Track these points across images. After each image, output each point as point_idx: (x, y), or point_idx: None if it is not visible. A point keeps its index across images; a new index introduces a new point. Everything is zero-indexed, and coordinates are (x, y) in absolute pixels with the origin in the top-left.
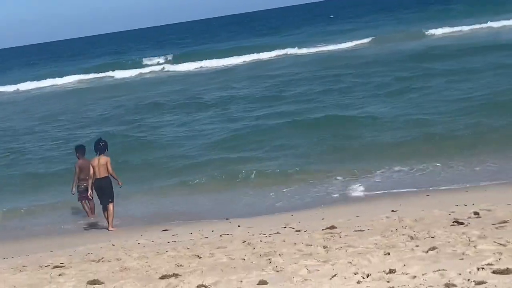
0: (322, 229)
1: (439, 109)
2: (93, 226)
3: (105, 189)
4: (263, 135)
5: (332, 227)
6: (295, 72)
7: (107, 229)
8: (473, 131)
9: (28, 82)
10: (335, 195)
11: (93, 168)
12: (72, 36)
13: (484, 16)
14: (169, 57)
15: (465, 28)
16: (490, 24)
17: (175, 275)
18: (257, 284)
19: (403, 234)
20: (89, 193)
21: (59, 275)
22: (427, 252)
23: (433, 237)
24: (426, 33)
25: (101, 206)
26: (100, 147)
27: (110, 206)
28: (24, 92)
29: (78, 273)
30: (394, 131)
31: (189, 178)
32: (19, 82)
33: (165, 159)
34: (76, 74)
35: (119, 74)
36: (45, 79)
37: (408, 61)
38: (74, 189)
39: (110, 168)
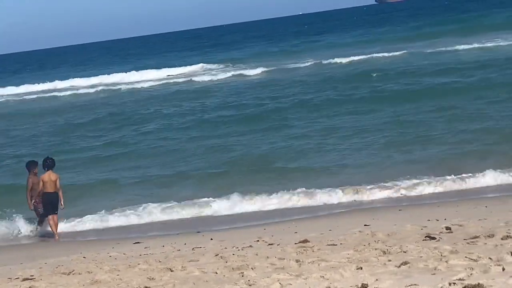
0: (295, 243)
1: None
2: (64, 238)
3: (54, 203)
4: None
5: (305, 241)
6: None
7: (54, 238)
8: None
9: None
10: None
11: (43, 183)
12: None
13: None
14: None
15: None
16: None
17: None
18: None
19: (375, 249)
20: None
21: (29, 287)
22: (399, 266)
23: (405, 252)
24: None
25: (46, 217)
26: (48, 164)
27: (55, 217)
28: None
29: (48, 285)
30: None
31: None
32: None
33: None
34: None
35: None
36: None
37: None
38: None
39: (58, 185)
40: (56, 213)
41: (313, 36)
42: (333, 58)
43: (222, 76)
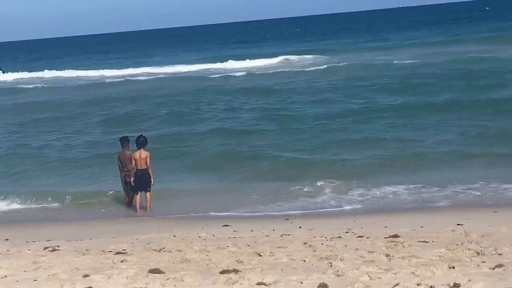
0: (385, 237)
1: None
2: (154, 216)
3: (145, 179)
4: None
5: (395, 236)
6: None
7: (146, 210)
8: None
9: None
10: (398, 204)
11: (135, 160)
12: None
13: None
14: None
15: None
16: None
17: (235, 271)
18: (317, 286)
19: (469, 249)
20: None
21: (121, 261)
22: (493, 269)
23: (500, 254)
24: None
25: (135, 194)
26: (140, 142)
27: (148, 194)
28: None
29: (139, 260)
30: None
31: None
32: None
33: None
34: None
35: None
36: None
37: None
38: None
39: (148, 162)
40: (149, 190)
41: None
42: None
43: None
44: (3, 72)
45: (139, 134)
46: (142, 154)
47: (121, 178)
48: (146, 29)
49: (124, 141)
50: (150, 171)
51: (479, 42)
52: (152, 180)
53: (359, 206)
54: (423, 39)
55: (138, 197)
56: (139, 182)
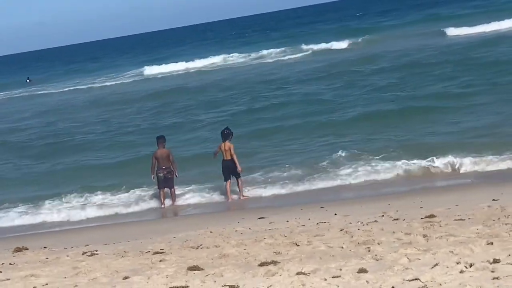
0: (421, 218)
1: None
2: (190, 213)
3: (230, 169)
4: None
5: (431, 216)
6: None
7: (240, 197)
8: None
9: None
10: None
11: (221, 151)
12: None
13: None
14: None
15: None
16: None
17: (274, 263)
18: (357, 272)
19: (506, 224)
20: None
21: (160, 261)
22: None
23: None
24: None
25: (226, 182)
26: (225, 134)
27: (239, 181)
28: None
29: (178, 259)
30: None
31: None
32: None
33: None
34: None
35: None
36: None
37: None
38: (153, 176)
39: (233, 152)
40: (239, 177)
41: None
42: None
43: None
44: (29, 81)
45: (224, 127)
46: (226, 145)
47: (157, 175)
48: None
49: (160, 139)
50: (235, 159)
51: None
52: (239, 167)
53: (393, 188)
54: None
55: (228, 186)
56: (227, 171)
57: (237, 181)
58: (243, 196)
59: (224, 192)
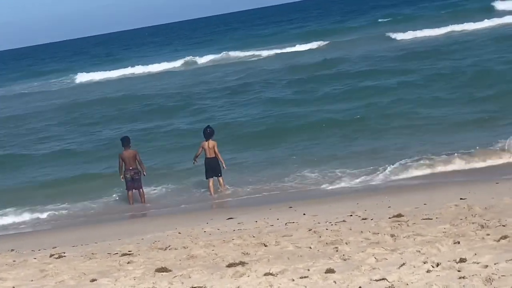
0: (389, 217)
1: None
2: (159, 214)
3: (214, 167)
4: None
5: (399, 215)
6: None
7: (220, 190)
8: None
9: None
10: (399, 183)
11: (204, 149)
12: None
13: None
14: None
15: None
16: None
17: (242, 263)
18: (325, 272)
19: (473, 223)
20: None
21: (128, 262)
22: (498, 241)
23: (504, 226)
24: None
25: (209, 179)
26: (207, 133)
27: (221, 179)
28: None
29: (146, 260)
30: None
31: None
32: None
33: None
34: None
35: None
36: None
37: None
38: (121, 176)
39: (217, 150)
40: (220, 176)
41: None
42: None
43: None
44: None
45: (206, 126)
46: (210, 144)
47: (124, 176)
48: None
49: (126, 140)
50: (219, 157)
51: None
52: (224, 165)
53: (361, 187)
54: None
55: (211, 183)
56: (210, 169)
57: (219, 179)
58: (224, 187)
59: (206, 189)
